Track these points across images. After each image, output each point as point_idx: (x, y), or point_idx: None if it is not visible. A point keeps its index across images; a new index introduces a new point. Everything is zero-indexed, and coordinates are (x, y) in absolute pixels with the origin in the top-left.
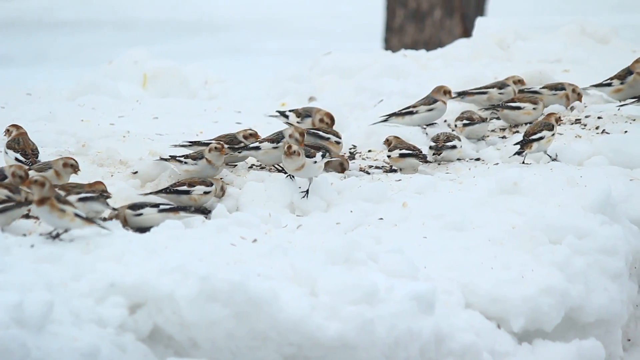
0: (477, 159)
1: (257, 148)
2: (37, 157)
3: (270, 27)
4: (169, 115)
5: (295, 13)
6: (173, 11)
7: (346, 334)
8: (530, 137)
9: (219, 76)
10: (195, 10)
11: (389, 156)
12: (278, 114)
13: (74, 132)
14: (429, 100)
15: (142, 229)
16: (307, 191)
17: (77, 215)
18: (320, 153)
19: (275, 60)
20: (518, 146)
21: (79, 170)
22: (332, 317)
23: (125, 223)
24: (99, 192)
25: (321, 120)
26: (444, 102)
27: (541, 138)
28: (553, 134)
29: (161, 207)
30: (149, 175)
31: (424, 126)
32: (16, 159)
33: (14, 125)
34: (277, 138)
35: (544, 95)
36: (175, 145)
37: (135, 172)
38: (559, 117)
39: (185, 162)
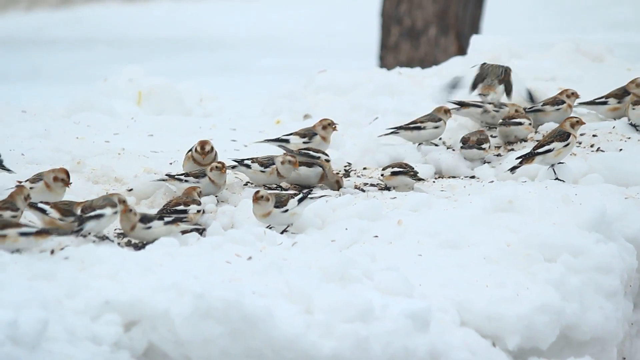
0: (472, 177)
1: (248, 166)
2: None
3: (265, 44)
4: (164, 133)
5: (290, 31)
6: (168, 29)
7: (341, 352)
8: (536, 150)
9: (214, 94)
10: (190, 27)
11: (382, 175)
12: (277, 142)
13: (69, 150)
14: (434, 118)
15: (138, 245)
16: (282, 231)
17: (22, 234)
18: (298, 198)
19: (270, 77)
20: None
21: (70, 183)
22: (327, 334)
23: (130, 230)
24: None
25: (324, 127)
26: (445, 122)
27: (549, 150)
28: (567, 144)
29: (165, 219)
30: (144, 192)
31: (423, 142)
32: None
33: None
34: (267, 162)
35: (547, 113)
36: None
37: (131, 190)
38: (577, 121)
39: (186, 181)
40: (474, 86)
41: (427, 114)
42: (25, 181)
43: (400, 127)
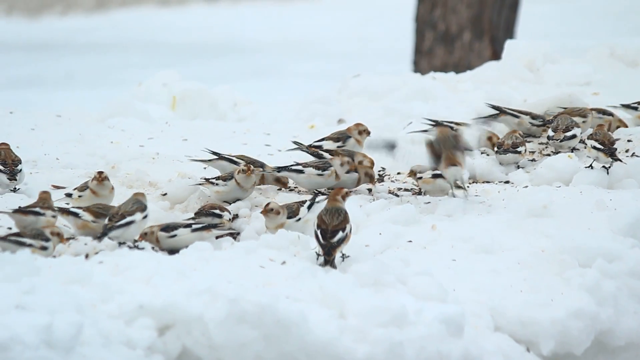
0: (507, 182)
1: (300, 172)
2: (16, 167)
3: (299, 49)
4: (198, 137)
5: (325, 35)
6: (202, 33)
7: (375, 356)
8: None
9: (248, 98)
10: (225, 32)
11: (419, 178)
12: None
13: (104, 154)
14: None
15: (173, 250)
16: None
17: None
18: (307, 205)
19: (304, 82)
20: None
21: (105, 178)
22: (361, 339)
23: (157, 243)
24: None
25: (360, 133)
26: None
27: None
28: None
29: (194, 226)
30: (178, 197)
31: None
32: (1, 171)
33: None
34: (323, 165)
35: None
36: (195, 160)
37: (165, 194)
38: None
39: (217, 184)
40: (437, 158)
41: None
42: (74, 189)
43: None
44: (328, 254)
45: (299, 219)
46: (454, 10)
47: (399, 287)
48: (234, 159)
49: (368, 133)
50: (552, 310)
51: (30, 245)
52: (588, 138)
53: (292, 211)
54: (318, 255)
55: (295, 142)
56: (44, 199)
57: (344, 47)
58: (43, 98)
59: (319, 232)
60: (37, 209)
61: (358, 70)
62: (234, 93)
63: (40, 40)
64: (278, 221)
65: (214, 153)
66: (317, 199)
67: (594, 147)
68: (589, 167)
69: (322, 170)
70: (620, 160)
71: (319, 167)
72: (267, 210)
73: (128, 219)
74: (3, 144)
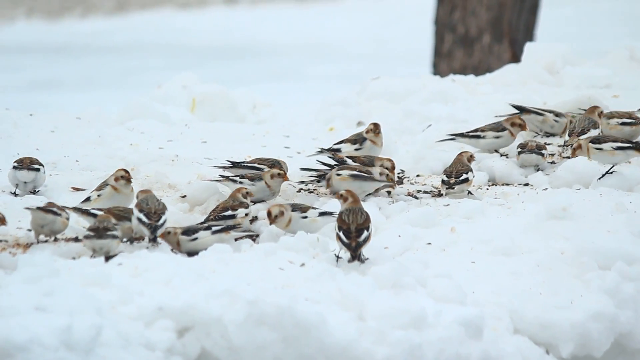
0: (526, 184)
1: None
2: (32, 164)
3: (319, 51)
4: (218, 140)
5: (344, 38)
6: (222, 36)
7: (394, 358)
8: None
9: (267, 100)
10: (244, 35)
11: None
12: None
13: (123, 156)
14: (498, 127)
15: (191, 253)
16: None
17: None
18: (319, 211)
19: (324, 84)
20: None
21: (131, 178)
22: (380, 341)
23: (177, 246)
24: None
25: (367, 132)
26: (512, 134)
27: None
28: None
29: (213, 228)
30: (198, 199)
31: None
32: (14, 166)
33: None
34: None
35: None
36: (217, 167)
37: (184, 196)
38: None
39: (241, 182)
40: None
41: (493, 122)
42: (92, 191)
43: (458, 134)
44: (355, 251)
45: (306, 216)
46: (474, 13)
47: (418, 290)
48: (255, 165)
49: (376, 132)
50: (571, 313)
51: None
52: (601, 142)
53: (301, 208)
54: (337, 257)
55: (320, 150)
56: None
57: (363, 50)
58: (63, 100)
59: (341, 233)
60: (55, 209)
61: (377, 72)
62: (253, 95)
63: (60, 43)
64: (285, 219)
65: (233, 164)
66: (333, 213)
67: (619, 148)
68: (608, 173)
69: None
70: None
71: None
72: (273, 219)
73: (164, 217)
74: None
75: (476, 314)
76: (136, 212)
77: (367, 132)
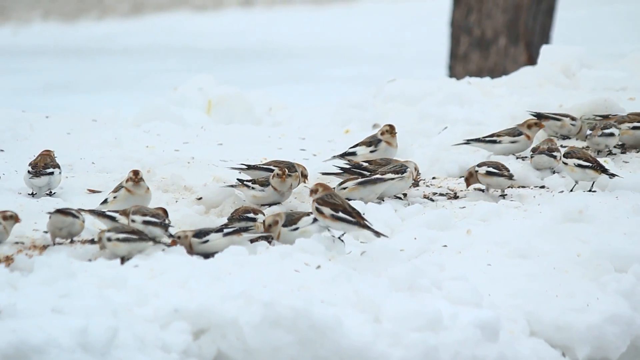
0: (542, 187)
1: (381, 179)
2: (46, 169)
3: (335, 54)
4: (234, 142)
5: (360, 40)
6: (237, 38)
7: None
8: None
9: (283, 103)
10: (260, 37)
11: (476, 171)
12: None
13: (139, 158)
14: (514, 132)
15: (207, 254)
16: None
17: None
18: (312, 217)
19: (339, 87)
20: None
21: (140, 179)
22: (396, 344)
23: (191, 249)
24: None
25: (382, 133)
26: (529, 137)
27: None
28: None
29: (225, 231)
30: (214, 201)
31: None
32: (28, 171)
33: (42, 150)
34: (400, 170)
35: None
36: (233, 168)
37: (200, 198)
38: None
39: (253, 188)
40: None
41: (510, 127)
42: (109, 193)
43: (474, 139)
44: (363, 219)
45: (296, 228)
46: (490, 16)
47: (434, 292)
48: (271, 167)
49: (392, 133)
50: (588, 315)
51: None
52: (566, 157)
53: (291, 220)
54: (334, 238)
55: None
56: None
57: (379, 52)
58: (79, 102)
59: (340, 213)
60: (74, 212)
61: (393, 74)
62: (269, 97)
63: (76, 45)
64: (278, 229)
65: (249, 166)
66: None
67: (579, 165)
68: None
69: (401, 174)
70: (615, 174)
71: (397, 171)
72: (267, 228)
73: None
74: (45, 150)
75: (492, 317)
76: (140, 218)
77: (382, 133)
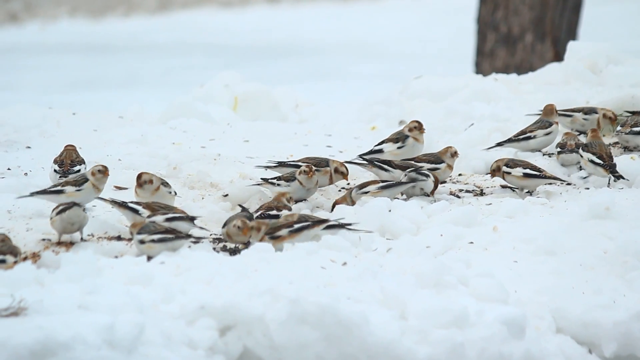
0: (569, 184)
1: (427, 176)
2: (72, 167)
3: (361, 50)
4: (260, 139)
5: (386, 36)
6: (264, 35)
7: (436, 357)
8: None
9: (310, 99)
10: (286, 34)
11: (508, 173)
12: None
13: (166, 155)
14: (544, 124)
15: (233, 251)
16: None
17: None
18: (299, 226)
19: (366, 83)
20: None
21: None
22: (422, 340)
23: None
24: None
25: (410, 129)
26: (557, 123)
27: None
28: None
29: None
30: (240, 198)
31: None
32: (54, 169)
33: (66, 145)
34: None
35: None
36: (260, 166)
37: (226, 195)
38: None
39: (278, 184)
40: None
41: (536, 121)
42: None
43: (507, 140)
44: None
45: (277, 236)
46: (516, 12)
47: (460, 289)
48: (298, 163)
49: (421, 129)
50: (614, 312)
51: None
52: (583, 150)
53: (275, 228)
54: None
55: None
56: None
57: (405, 49)
58: (105, 99)
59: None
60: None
61: (420, 71)
62: (295, 94)
63: (102, 42)
64: (258, 238)
65: (279, 163)
66: (339, 221)
67: (591, 161)
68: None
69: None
70: (622, 177)
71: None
72: (246, 231)
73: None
74: (70, 146)
75: (518, 313)
76: (161, 217)
77: (410, 130)
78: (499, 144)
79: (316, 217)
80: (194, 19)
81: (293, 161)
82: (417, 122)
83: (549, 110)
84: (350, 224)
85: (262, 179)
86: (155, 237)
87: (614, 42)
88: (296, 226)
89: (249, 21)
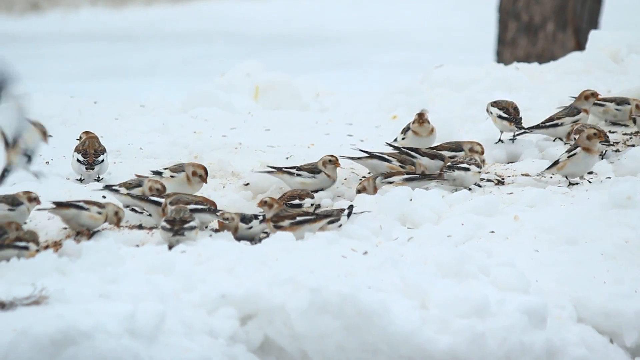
0: (590, 172)
1: (467, 169)
2: (97, 157)
3: (382, 39)
4: (281, 127)
5: (407, 25)
6: (285, 24)
7: (457, 347)
8: None
9: (331, 88)
10: (307, 23)
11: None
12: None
13: (187, 144)
14: (573, 111)
15: (254, 240)
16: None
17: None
18: (259, 220)
19: (386, 72)
20: None
21: (205, 182)
22: (443, 330)
23: (236, 232)
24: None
25: (414, 123)
26: (587, 112)
27: None
28: None
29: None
30: (261, 186)
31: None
32: (78, 159)
33: (85, 132)
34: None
35: None
36: (345, 157)
37: (247, 184)
38: None
39: (299, 175)
40: None
41: (566, 107)
42: (165, 169)
43: (535, 126)
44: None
45: (251, 227)
46: (538, 1)
47: (481, 278)
48: (386, 156)
49: (420, 121)
50: (636, 302)
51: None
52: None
53: (247, 218)
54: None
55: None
56: None
57: (426, 38)
58: (127, 88)
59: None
60: (82, 204)
61: (441, 60)
62: (316, 83)
63: (124, 31)
64: (232, 227)
65: (366, 152)
66: (353, 210)
67: (499, 116)
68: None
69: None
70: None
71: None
72: (223, 220)
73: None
74: (89, 133)
75: (540, 303)
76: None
77: (414, 122)
78: (528, 130)
79: (332, 210)
80: (215, 7)
81: (380, 153)
82: (417, 114)
83: (583, 96)
84: (352, 213)
85: (274, 167)
86: (163, 224)
87: (636, 31)
88: (298, 219)
89: (270, 10)
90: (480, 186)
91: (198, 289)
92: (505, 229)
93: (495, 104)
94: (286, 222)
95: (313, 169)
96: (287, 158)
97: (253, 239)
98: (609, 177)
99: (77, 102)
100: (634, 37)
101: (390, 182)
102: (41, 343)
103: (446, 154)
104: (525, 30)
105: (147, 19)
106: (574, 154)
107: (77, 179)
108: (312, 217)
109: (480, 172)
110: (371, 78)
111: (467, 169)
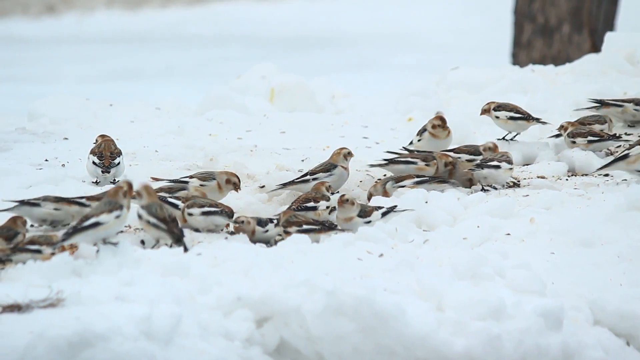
0: (606, 175)
1: (497, 167)
2: (113, 160)
3: (397, 41)
4: (296, 130)
5: (423, 27)
6: (300, 26)
7: (473, 349)
8: None
9: (346, 91)
10: (323, 25)
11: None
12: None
13: (202, 146)
14: (600, 120)
15: (270, 243)
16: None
17: None
18: (382, 211)
19: (402, 75)
20: None
21: (239, 189)
22: (459, 332)
23: (252, 235)
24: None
25: (434, 127)
26: (611, 121)
27: None
28: None
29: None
30: (276, 189)
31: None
32: (93, 162)
33: (101, 135)
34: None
35: None
36: (373, 165)
37: (263, 186)
38: None
39: (316, 179)
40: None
41: (592, 114)
42: (191, 177)
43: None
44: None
45: (369, 221)
46: (553, 3)
47: (497, 280)
48: (410, 159)
49: (439, 124)
50: None
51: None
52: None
53: (365, 212)
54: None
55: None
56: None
57: (442, 40)
58: (142, 90)
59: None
60: (83, 201)
61: (456, 62)
62: (332, 85)
63: (139, 33)
64: (349, 214)
65: (389, 160)
66: (395, 209)
67: (511, 118)
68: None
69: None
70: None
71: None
72: (343, 201)
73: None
74: (105, 136)
75: (556, 305)
76: (198, 210)
77: (433, 127)
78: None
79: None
80: (231, 10)
81: (402, 156)
82: (437, 117)
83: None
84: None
85: (283, 184)
86: (203, 209)
87: None
88: (305, 227)
89: (286, 12)
90: (496, 188)
91: (214, 291)
92: (521, 231)
93: (500, 107)
94: (293, 229)
95: (328, 167)
96: (303, 160)
97: (269, 242)
98: (625, 180)
99: (93, 104)
100: None
101: (402, 187)
102: (57, 345)
103: (464, 157)
104: (540, 32)
105: (163, 21)
106: None
107: (92, 182)
108: (317, 227)
109: (512, 168)
110: (386, 80)
111: (497, 167)
